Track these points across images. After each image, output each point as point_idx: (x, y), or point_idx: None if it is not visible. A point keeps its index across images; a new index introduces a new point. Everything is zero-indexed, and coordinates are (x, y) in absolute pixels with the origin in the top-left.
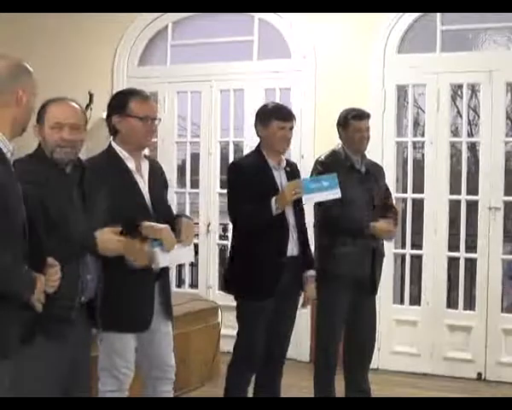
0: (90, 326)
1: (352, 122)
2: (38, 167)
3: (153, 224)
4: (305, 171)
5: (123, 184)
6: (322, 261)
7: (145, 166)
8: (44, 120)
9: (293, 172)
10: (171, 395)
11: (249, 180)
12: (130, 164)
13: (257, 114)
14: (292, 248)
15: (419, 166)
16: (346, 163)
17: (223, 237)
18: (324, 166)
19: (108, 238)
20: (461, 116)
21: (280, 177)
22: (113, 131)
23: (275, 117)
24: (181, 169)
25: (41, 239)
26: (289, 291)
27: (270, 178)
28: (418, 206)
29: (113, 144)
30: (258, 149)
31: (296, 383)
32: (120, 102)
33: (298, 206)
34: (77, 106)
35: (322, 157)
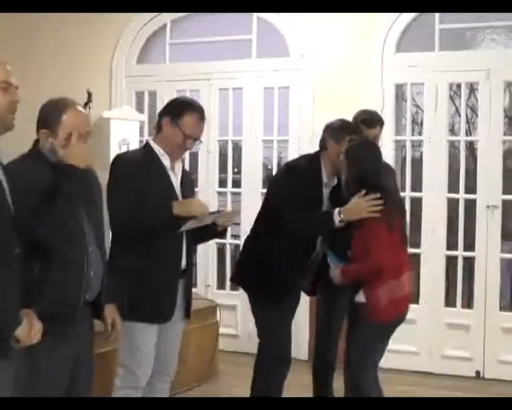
0: (93, 324)
1: (361, 127)
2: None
3: (181, 200)
4: None
5: (158, 179)
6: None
7: (179, 166)
8: (59, 128)
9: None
10: (168, 394)
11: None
12: (166, 162)
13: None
14: None
15: (417, 164)
16: None
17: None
18: None
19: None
20: (459, 115)
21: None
22: (158, 129)
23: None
24: None
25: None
26: None
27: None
28: (416, 204)
29: (152, 143)
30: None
31: (295, 382)
32: (177, 110)
33: None
34: (85, 111)
35: None
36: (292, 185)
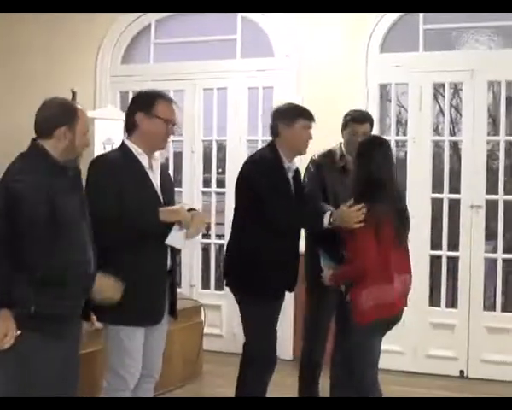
0: (81, 323)
1: (350, 124)
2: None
3: (168, 207)
4: None
5: (138, 180)
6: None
7: (156, 164)
8: (77, 124)
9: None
10: (152, 394)
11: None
12: (144, 161)
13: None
14: None
15: (401, 164)
16: (339, 164)
17: (205, 235)
18: (316, 166)
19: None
20: (443, 115)
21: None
22: (131, 128)
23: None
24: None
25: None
26: None
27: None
28: None
29: (127, 142)
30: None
31: (280, 382)
32: (147, 102)
33: None
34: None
35: (316, 156)
36: (268, 178)
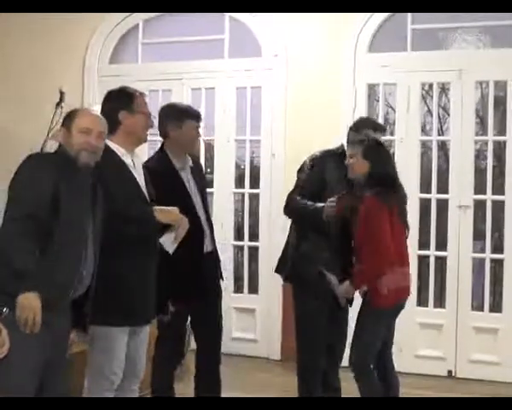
0: (71, 323)
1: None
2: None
3: (162, 207)
4: (277, 170)
5: (126, 179)
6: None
7: (138, 162)
8: (72, 124)
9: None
10: (137, 394)
11: None
12: (128, 160)
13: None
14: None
15: None
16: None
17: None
18: (315, 164)
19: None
20: (431, 115)
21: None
22: (114, 128)
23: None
24: None
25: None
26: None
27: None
28: None
29: (110, 143)
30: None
31: (269, 381)
32: (125, 99)
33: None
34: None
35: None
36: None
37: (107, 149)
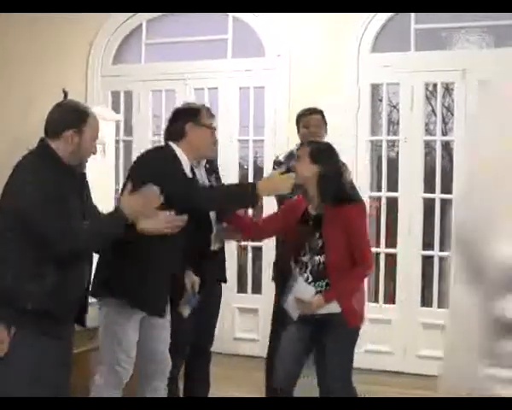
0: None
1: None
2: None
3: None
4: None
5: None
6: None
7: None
8: (85, 128)
9: None
10: (165, 392)
11: None
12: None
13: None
14: None
15: (393, 164)
16: None
17: None
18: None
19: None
20: (435, 115)
21: None
22: (179, 137)
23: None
24: None
25: None
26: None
27: None
28: (392, 204)
29: (174, 146)
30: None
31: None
32: (195, 111)
33: None
34: None
35: (281, 157)
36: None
37: (167, 150)
